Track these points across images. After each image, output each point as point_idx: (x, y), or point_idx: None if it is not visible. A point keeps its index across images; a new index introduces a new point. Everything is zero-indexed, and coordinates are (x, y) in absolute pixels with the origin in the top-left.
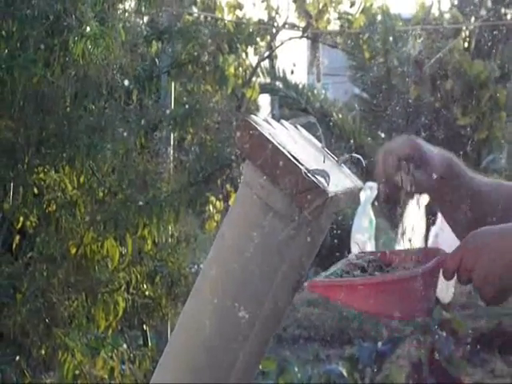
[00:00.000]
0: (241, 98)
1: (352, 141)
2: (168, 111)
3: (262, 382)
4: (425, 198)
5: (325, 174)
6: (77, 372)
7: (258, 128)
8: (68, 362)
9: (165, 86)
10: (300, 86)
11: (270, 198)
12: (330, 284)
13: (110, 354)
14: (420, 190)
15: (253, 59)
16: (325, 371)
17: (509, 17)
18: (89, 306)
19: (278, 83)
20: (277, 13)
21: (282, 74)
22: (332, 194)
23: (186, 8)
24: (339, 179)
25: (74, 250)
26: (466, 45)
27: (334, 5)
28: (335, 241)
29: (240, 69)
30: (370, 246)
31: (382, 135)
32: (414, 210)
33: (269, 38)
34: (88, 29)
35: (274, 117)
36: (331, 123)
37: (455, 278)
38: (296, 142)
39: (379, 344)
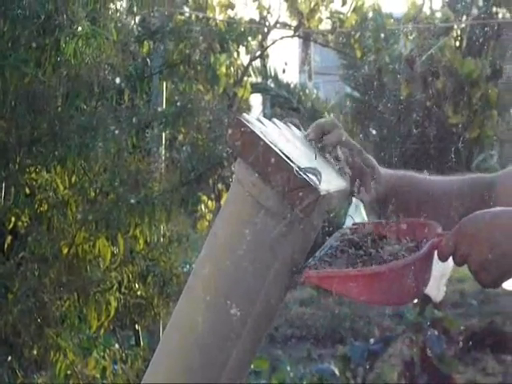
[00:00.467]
0: (232, 98)
1: None
2: (160, 111)
3: (255, 382)
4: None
5: (316, 172)
6: (69, 372)
7: (250, 126)
8: (60, 361)
9: (156, 85)
10: (291, 85)
11: (262, 195)
12: (325, 275)
13: (102, 353)
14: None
15: (244, 58)
16: (317, 370)
17: (500, 15)
18: (81, 305)
19: (269, 82)
20: (268, 12)
21: (273, 74)
22: (324, 192)
23: (178, 8)
24: (331, 177)
25: (65, 250)
26: (458, 43)
27: (325, 4)
28: (327, 238)
29: (231, 68)
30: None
31: (374, 133)
32: None
33: (260, 37)
34: (79, 28)
35: (265, 116)
36: None
37: (447, 277)
38: (288, 141)
39: (371, 343)
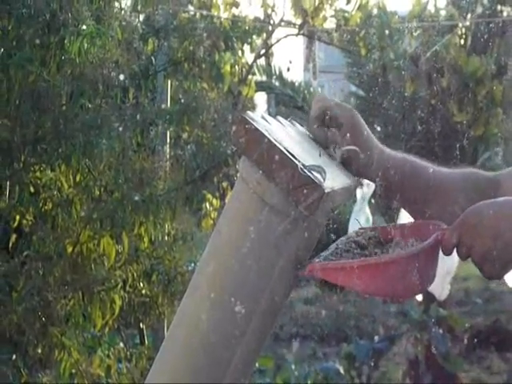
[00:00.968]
0: (237, 96)
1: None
2: (164, 109)
3: (260, 380)
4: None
5: (321, 170)
6: (73, 371)
7: (254, 123)
8: (64, 360)
9: (161, 83)
10: (296, 84)
11: (266, 193)
12: (329, 267)
13: (106, 352)
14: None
15: (249, 57)
16: (322, 369)
17: (505, 13)
18: (85, 304)
19: (274, 81)
20: (273, 10)
21: (278, 72)
22: (328, 190)
23: (182, 6)
24: (336, 175)
25: (70, 249)
26: (462, 41)
27: (330, 2)
28: (332, 236)
29: (236, 66)
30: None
31: (378, 131)
32: None
33: (265, 35)
34: (84, 27)
35: (270, 114)
36: None
37: (451, 275)
38: (292, 138)
39: (376, 341)
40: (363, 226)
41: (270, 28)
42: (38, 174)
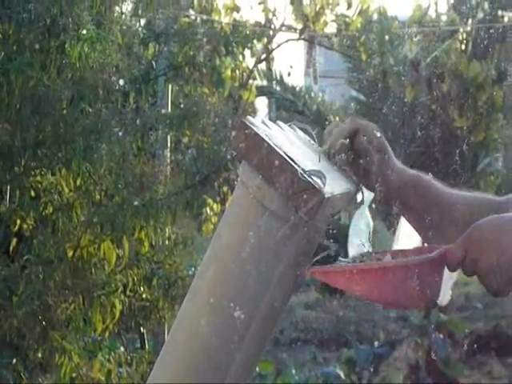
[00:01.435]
0: (238, 101)
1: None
2: (165, 113)
3: None
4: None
5: (321, 175)
6: (74, 375)
7: (254, 128)
8: (65, 364)
9: (161, 88)
10: (297, 89)
11: (266, 198)
12: (331, 270)
13: (107, 356)
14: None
15: (250, 61)
16: (322, 373)
17: (505, 19)
18: (85, 308)
19: (274, 85)
20: (274, 15)
21: (278, 77)
22: (328, 195)
23: (183, 10)
24: (336, 180)
25: (70, 253)
26: (463, 46)
27: (330, 7)
28: (331, 241)
29: (237, 71)
30: (368, 249)
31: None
32: None
33: (266, 40)
34: (84, 32)
35: (270, 119)
36: (328, 125)
37: (453, 280)
38: (292, 143)
39: (376, 346)
40: (363, 231)
41: (271, 33)
42: (38, 178)
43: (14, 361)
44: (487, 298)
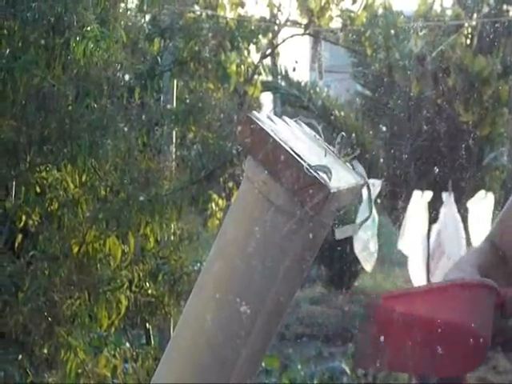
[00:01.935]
0: (243, 96)
1: (354, 137)
2: (170, 109)
3: (266, 380)
4: (427, 195)
5: (326, 170)
6: (79, 371)
7: (260, 123)
8: (71, 360)
9: (167, 83)
10: (302, 84)
11: (272, 193)
12: (403, 293)
13: (112, 352)
14: None
15: (255, 57)
16: (328, 368)
17: (511, 13)
18: (91, 304)
19: (279, 81)
20: (279, 10)
21: (283, 72)
22: (334, 190)
23: (188, 6)
24: (341, 175)
25: (76, 249)
26: (468, 41)
27: (335, 2)
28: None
29: (242, 66)
30: (373, 244)
31: (384, 131)
32: (417, 207)
33: (271, 35)
34: (89, 29)
35: (276, 114)
36: (333, 120)
37: None
38: (298, 138)
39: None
40: (369, 226)
41: (276, 28)
42: (43, 174)
43: (20, 357)
44: None
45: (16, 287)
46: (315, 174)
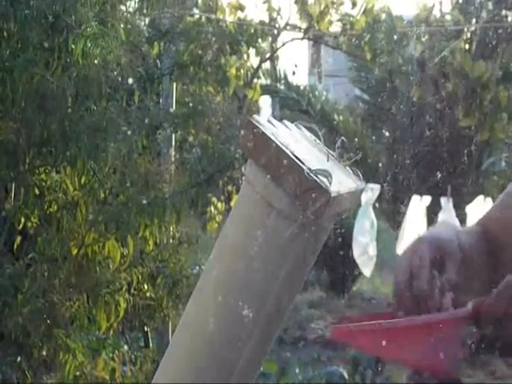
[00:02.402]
0: (242, 99)
1: (354, 142)
2: (170, 112)
3: None
4: (426, 200)
5: (327, 174)
6: (78, 373)
7: (261, 127)
8: (69, 362)
9: (166, 86)
10: (301, 88)
11: (273, 197)
12: (359, 329)
13: (111, 355)
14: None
15: (254, 60)
16: (326, 373)
17: (510, 18)
18: (90, 306)
19: (279, 84)
20: (278, 14)
21: (283, 76)
22: (335, 194)
23: (188, 9)
24: (342, 179)
25: (75, 251)
26: (468, 46)
27: (335, 6)
28: (339, 239)
29: (241, 70)
30: (372, 248)
31: (384, 136)
32: (416, 212)
33: (270, 39)
34: (88, 29)
35: (274, 118)
36: (332, 125)
37: None
38: (298, 142)
39: None
40: (368, 231)
41: (276, 32)
42: (43, 176)
43: (19, 359)
44: None
45: (15, 289)
46: (316, 178)
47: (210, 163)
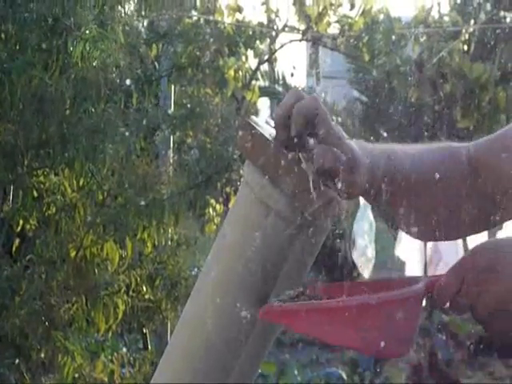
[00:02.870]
0: (241, 101)
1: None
2: (168, 114)
3: None
4: None
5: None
6: (76, 375)
7: (259, 128)
8: (68, 365)
9: (165, 88)
10: (299, 89)
11: (271, 198)
12: (292, 309)
13: (109, 357)
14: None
15: (253, 62)
16: (324, 374)
17: (508, 19)
18: (88, 308)
19: (277, 86)
20: (276, 16)
21: (281, 77)
22: (333, 195)
23: (186, 11)
24: None
25: (73, 253)
26: (466, 47)
27: (333, 8)
28: (337, 240)
29: (240, 72)
30: (371, 250)
31: (382, 137)
32: None
33: (268, 40)
34: (87, 31)
35: (273, 120)
36: None
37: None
38: None
39: None
40: (367, 232)
41: (274, 33)
42: (41, 178)
43: (17, 361)
44: None
45: (13, 291)
46: (313, 178)
47: (208, 165)
